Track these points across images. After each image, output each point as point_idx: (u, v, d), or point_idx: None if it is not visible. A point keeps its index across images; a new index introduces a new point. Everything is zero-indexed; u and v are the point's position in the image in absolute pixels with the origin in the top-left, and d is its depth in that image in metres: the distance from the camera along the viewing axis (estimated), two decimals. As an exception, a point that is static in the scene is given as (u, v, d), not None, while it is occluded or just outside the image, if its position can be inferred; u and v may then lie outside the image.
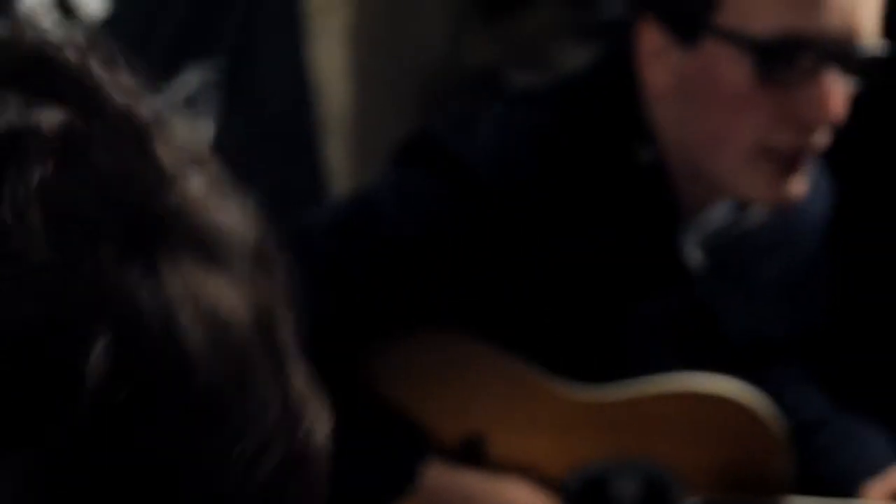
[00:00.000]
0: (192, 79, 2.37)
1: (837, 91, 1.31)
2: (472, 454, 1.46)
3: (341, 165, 2.77)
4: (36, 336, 0.47)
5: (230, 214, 0.54)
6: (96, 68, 0.54)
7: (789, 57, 1.31)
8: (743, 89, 1.32)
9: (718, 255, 1.49)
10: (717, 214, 1.49)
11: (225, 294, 0.51)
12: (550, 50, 3.06)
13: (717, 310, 1.51)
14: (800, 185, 1.38)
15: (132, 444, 0.48)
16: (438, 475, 1.44)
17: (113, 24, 2.22)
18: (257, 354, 0.52)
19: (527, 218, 1.42)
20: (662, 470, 1.48)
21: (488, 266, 1.43)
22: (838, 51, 1.31)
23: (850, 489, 1.46)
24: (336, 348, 1.45)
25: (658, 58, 1.37)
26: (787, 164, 1.36)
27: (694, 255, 1.48)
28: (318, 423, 0.56)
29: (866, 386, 2.09)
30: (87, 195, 0.50)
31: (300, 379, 0.56)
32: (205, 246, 0.51)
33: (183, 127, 0.55)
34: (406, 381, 1.48)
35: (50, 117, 0.51)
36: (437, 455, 1.46)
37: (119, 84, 0.54)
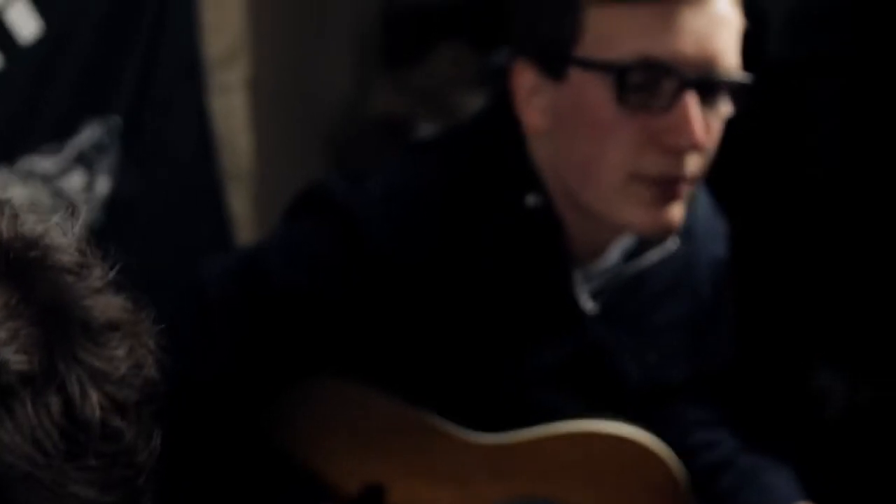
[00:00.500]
0: (90, 133, 2.34)
1: (698, 117, 1.34)
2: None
3: (245, 216, 2.75)
4: None
5: (112, 309, 0.64)
6: None
7: (648, 82, 1.33)
8: (608, 116, 1.34)
9: (612, 299, 1.50)
10: (610, 258, 1.50)
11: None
12: (455, 98, 3.07)
13: (611, 354, 1.51)
14: (676, 212, 1.40)
15: None
16: None
17: (8, 80, 2.19)
18: None
19: (416, 268, 1.42)
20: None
21: (381, 317, 1.43)
22: (696, 76, 1.33)
23: None
24: (232, 399, 1.44)
25: (533, 96, 1.39)
26: (661, 190, 1.37)
27: (586, 299, 1.48)
28: None
29: (772, 425, 2.11)
30: None
31: None
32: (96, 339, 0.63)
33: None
34: (305, 432, 1.47)
35: None
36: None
37: None
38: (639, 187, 1.36)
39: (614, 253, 1.49)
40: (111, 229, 2.37)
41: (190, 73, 2.51)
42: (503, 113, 1.45)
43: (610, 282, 1.49)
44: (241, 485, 1.44)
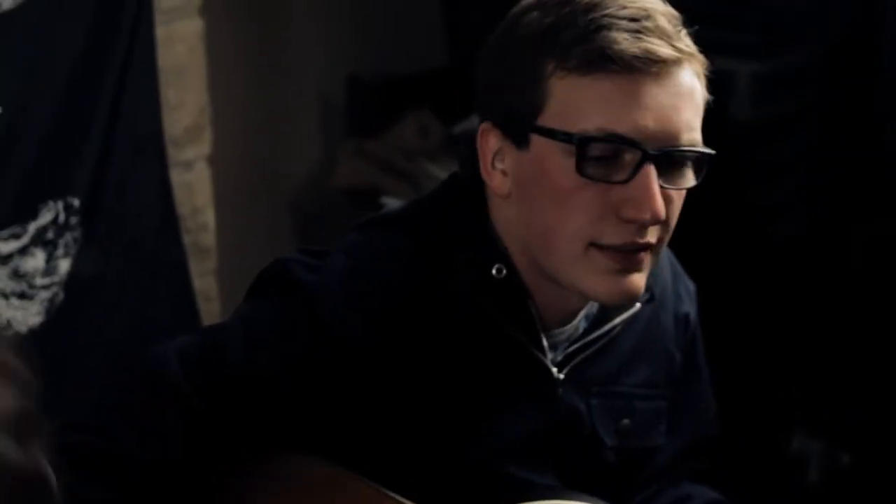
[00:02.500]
0: (49, 215, 2.31)
1: (657, 190, 1.33)
2: None
3: (210, 291, 2.72)
4: None
5: None
6: None
7: (608, 154, 1.33)
8: (567, 185, 1.33)
9: (581, 365, 1.47)
10: (577, 324, 1.48)
11: None
12: (420, 168, 3.05)
13: (585, 421, 1.49)
14: (637, 280, 1.38)
15: None
16: None
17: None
18: None
19: (380, 347, 1.39)
20: None
21: (345, 397, 1.39)
22: (658, 150, 1.32)
23: None
24: (190, 477, 1.41)
25: (497, 161, 1.38)
26: (620, 259, 1.36)
27: (555, 367, 1.46)
28: None
29: (753, 490, 2.08)
30: None
31: None
32: None
33: None
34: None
35: None
36: None
37: None
38: (599, 256, 1.35)
39: (580, 319, 1.47)
40: (72, 309, 2.33)
41: (149, 150, 2.48)
42: (466, 182, 1.44)
43: (578, 348, 1.47)
44: None
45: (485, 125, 1.39)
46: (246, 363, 1.40)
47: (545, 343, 1.44)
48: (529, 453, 1.47)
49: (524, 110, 1.35)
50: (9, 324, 2.24)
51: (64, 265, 2.33)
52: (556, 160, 1.33)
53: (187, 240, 2.61)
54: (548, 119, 1.34)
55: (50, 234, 2.30)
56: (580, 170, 1.32)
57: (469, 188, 1.44)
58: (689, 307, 1.61)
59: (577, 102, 1.32)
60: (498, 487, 1.46)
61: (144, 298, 2.46)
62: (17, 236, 2.26)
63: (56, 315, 2.31)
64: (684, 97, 1.33)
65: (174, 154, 2.60)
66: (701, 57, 1.37)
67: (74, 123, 2.31)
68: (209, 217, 2.70)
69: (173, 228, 2.54)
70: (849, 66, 2.64)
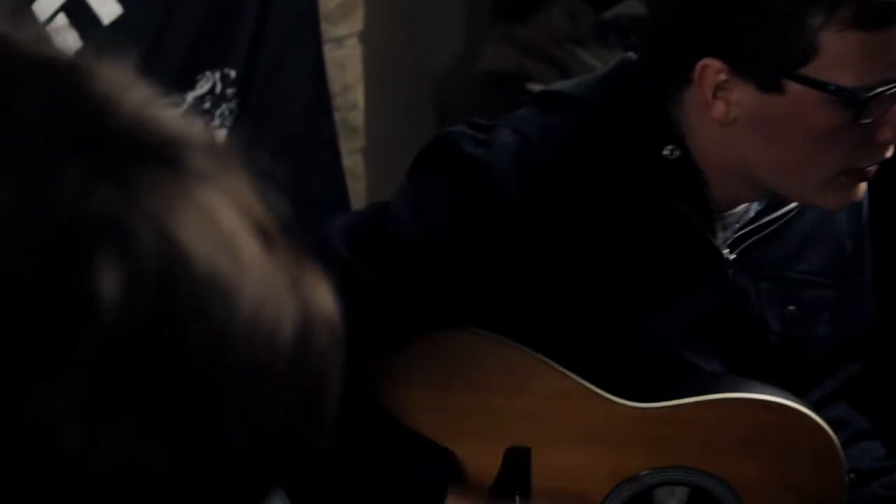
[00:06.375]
0: (206, 86, 2.32)
1: None
2: (517, 468, 1.41)
3: (357, 170, 2.73)
4: (35, 276, 0.48)
5: (178, 122, 0.54)
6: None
7: (884, 102, 1.33)
8: (830, 130, 1.34)
9: (752, 248, 1.45)
10: (750, 207, 1.46)
11: (213, 197, 0.52)
12: (567, 54, 3.01)
13: (753, 304, 1.47)
14: (863, 188, 1.41)
15: (156, 360, 0.49)
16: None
17: (127, 30, 2.17)
18: (261, 252, 0.53)
19: (549, 220, 1.37)
20: (710, 481, 1.43)
21: (512, 272, 1.38)
22: None
23: None
24: (360, 359, 1.41)
25: (720, 92, 1.35)
26: (864, 176, 1.39)
27: (725, 252, 1.44)
28: (321, 293, 0.57)
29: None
30: (37, 123, 0.50)
31: (294, 258, 0.56)
32: (172, 154, 0.52)
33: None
34: (442, 392, 1.43)
35: None
36: (476, 469, 1.41)
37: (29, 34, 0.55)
38: (844, 178, 1.37)
39: (754, 202, 1.46)
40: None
41: (304, 25, 2.48)
42: (642, 68, 1.41)
43: (750, 231, 1.45)
44: (357, 444, 1.40)
45: (708, 61, 1.35)
46: (414, 237, 1.39)
47: (717, 224, 1.43)
48: (695, 336, 1.45)
49: (780, 58, 1.32)
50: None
51: (219, 137, 2.34)
52: (821, 108, 1.32)
53: (336, 118, 2.60)
54: (817, 70, 1.31)
55: (207, 104, 2.31)
56: (858, 117, 1.31)
57: (645, 74, 1.41)
58: (864, 199, 1.57)
59: (854, 56, 1.30)
60: (663, 369, 1.44)
61: (295, 174, 2.46)
62: (176, 107, 2.27)
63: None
64: None
65: (326, 30, 2.59)
66: None
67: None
68: (358, 95, 2.69)
69: (325, 105, 2.54)
70: None
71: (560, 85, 1.52)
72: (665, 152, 1.39)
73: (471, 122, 1.44)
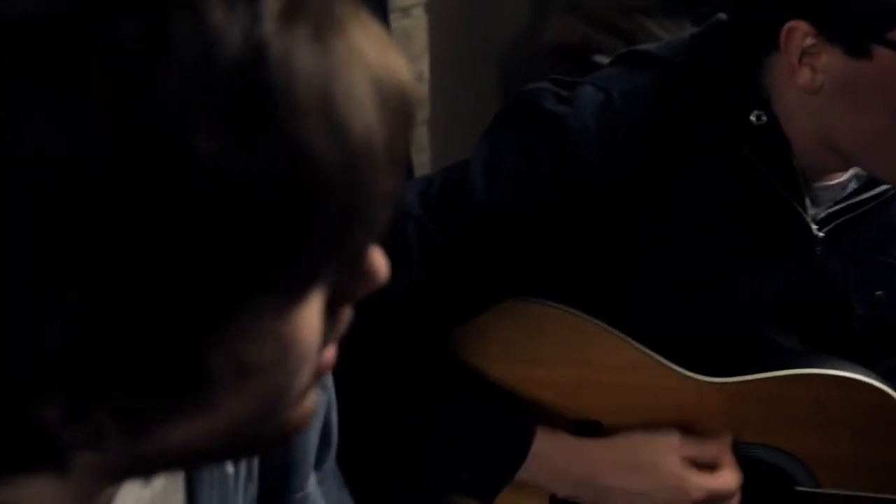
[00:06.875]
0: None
1: None
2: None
3: (422, 142, 2.71)
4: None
5: None
6: None
7: None
8: None
9: (841, 227, 1.42)
10: (843, 183, 1.42)
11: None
12: (633, 26, 2.98)
13: (838, 285, 1.43)
14: None
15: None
16: (556, 441, 1.39)
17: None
18: None
19: (630, 184, 1.34)
20: (782, 457, 1.41)
21: (589, 236, 1.35)
22: None
23: None
24: (435, 322, 1.39)
25: (806, 58, 1.32)
26: None
27: (814, 227, 1.41)
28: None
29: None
30: None
31: None
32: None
33: None
34: (510, 364, 1.41)
35: None
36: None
37: None
38: None
39: (849, 177, 1.42)
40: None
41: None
42: (731, 35, 1.38)
43: (843, 209, 1.42)
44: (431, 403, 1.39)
45: (795, 23, 1.32)
46: (487, 198, 1.35)
47: (806, 198, 1.39)
48: (777, 312, 1.42)
49: (871, 22, 1.29)
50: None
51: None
52: None
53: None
54: None
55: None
56: None
57: (733, 37, 1.38)
58: None
59: None
60: (738, 344, 1.42)
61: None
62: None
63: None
64: None
65: (391, 2, 2.57)
66: None
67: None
68: (424, 66, 2.68)
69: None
70: None
71: (647, 45, 1.48)
72: (752, 118, 1.36)
73: (555, 79, 1.41)
